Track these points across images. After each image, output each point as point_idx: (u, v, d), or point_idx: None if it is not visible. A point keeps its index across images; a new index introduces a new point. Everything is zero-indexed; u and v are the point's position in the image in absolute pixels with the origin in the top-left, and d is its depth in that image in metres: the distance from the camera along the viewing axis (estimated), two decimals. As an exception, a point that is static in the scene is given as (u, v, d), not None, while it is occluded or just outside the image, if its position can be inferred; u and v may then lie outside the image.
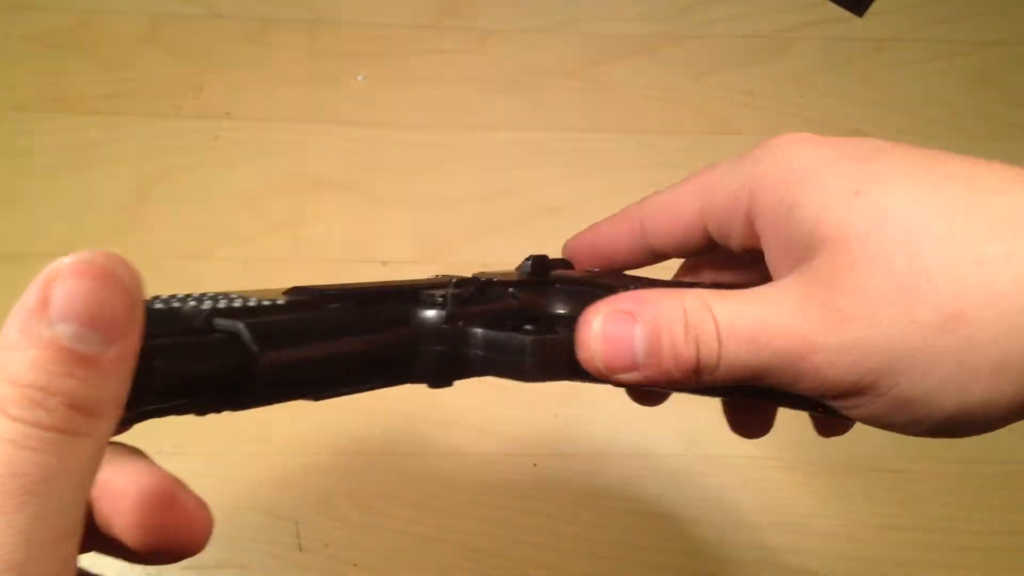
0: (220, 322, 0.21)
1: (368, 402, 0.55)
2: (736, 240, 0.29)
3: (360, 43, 0.70)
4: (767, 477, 0.56)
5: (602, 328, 0.26)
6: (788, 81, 0.71)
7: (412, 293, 0.27)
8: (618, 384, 0.27)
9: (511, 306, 0.30)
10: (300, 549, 0.51)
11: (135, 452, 0.23)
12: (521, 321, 0.29)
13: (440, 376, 0.28)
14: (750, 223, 0.28)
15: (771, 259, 0.28)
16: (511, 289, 0.29)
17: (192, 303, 0.22)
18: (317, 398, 0.25)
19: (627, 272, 0.34)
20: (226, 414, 0.22)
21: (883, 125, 0.69)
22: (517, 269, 0.32)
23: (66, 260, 0.17)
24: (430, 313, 0.27)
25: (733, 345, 0.25)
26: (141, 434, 0.22)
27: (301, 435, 0.54)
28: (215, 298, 0.22)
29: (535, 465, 0.55)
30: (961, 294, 0.23)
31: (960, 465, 0.56)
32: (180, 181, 0.63)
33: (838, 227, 0.25)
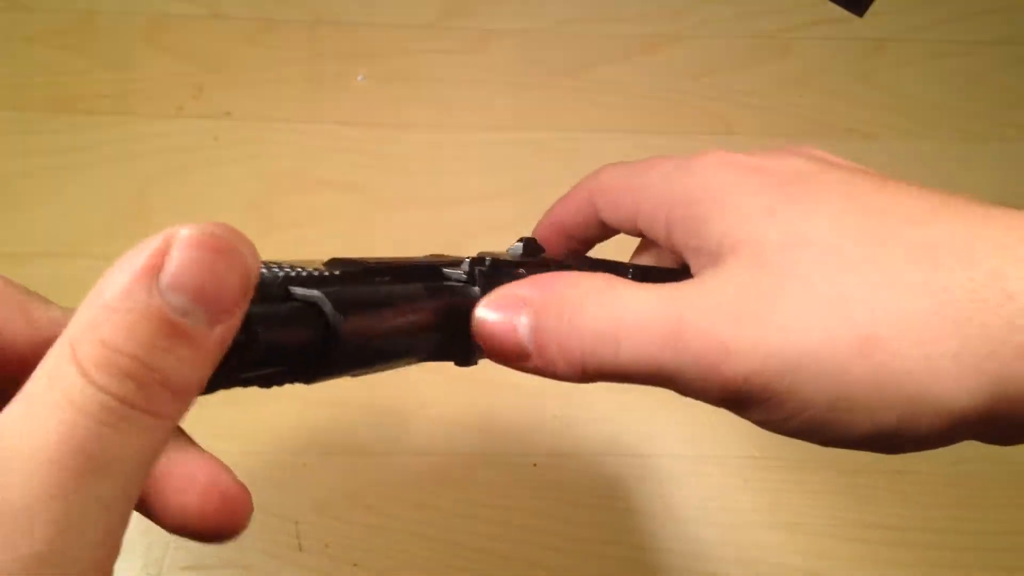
0: (298, 291, 0.21)
1: (368, 402, 0.55)
2: (662, 243, 0.29)
3: (360, 43, 0.70)
4: (767, 477, 0.56)
5: (485, 316, 0.25)
6: (788, 81, 0.71)
7: (437, 270, 0.27)
8: (525, 371, 0.26)
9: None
10: (300, 549, 0.51)
11: (186, 435, 0.23)
12: None
13: (471, 354, 0.27)
14: (668, 234, 0.28)
15: (689, 262, 0.28)
16: (519, 270, 0.29)
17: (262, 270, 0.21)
18: (381, 369, 0.24)
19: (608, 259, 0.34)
20: (226, 415, 0.22)
21: (883, 125, 0.69)
22: (508, 251, 0.32)
23: (186, 230, 0.16)
24: (466, 288, 0.27)
25: (641, 337, 0.23)
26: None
27: (301, 435, 0.54)
28: (274, 266, 0.22)
29: (535, 465, 0.55)
30: (878, 318, 0.23)
31: (960, 465, 0.56)
32: (180, 181, 0.63)
33: (749, 235, 0.24)
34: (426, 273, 0.27)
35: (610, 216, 0.31)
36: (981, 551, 0.55)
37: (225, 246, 0.16)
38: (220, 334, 0.16)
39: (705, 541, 0.54)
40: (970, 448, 0.56)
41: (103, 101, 0.65)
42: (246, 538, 0.52)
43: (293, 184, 0.64)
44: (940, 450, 0.60)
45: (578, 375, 0.25)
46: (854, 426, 0.24)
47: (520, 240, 0.32)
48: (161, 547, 0.50)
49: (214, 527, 0.22)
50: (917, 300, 0.23)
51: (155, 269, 0.15)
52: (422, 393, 0.56)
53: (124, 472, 0.15)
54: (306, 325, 0.20)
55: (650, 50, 0.72)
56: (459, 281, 0.27)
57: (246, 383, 0.20)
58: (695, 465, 0.56)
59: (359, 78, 0.69)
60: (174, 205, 0.62)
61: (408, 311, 0.24)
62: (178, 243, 0.16)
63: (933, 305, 0.22)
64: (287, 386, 0.22)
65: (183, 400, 0.16)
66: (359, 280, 0.23)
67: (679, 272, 0.31)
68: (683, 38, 0.73)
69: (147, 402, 0.15)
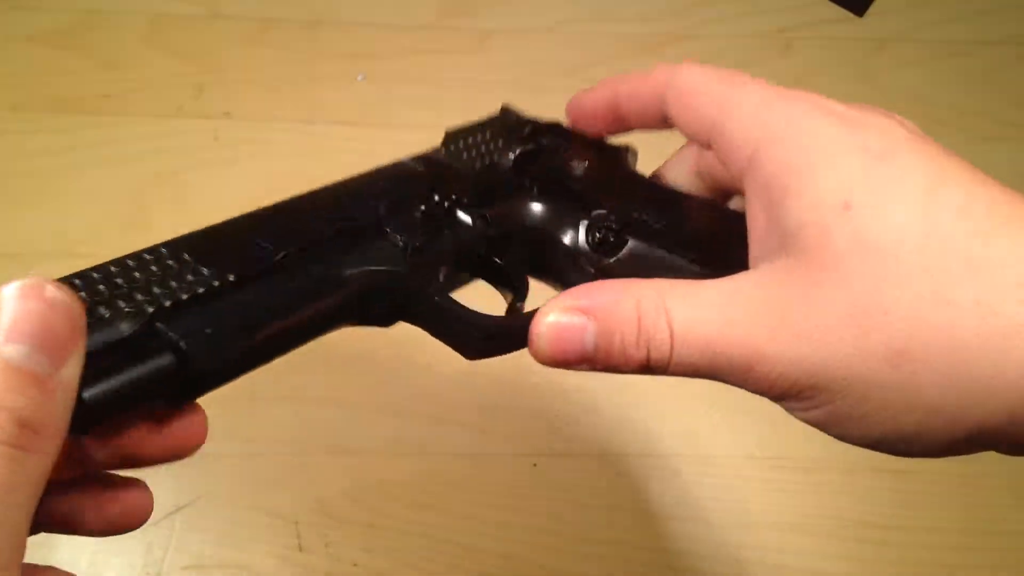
0: (161, 328, 0.22)
1: (368, 402, 0.55)
2: (732, 172, 0.29)
3: (360, 43, 0.70)
4: (767, 477, 0.56)
5: (555, 325, 0.27)
6: (788, 81, 0.70)
7: (378, 229, 0.28)
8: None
9: (480, 232, 0.30)
10: (300, 549, 0.51)
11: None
12: (492, 252, 0.30)
13: (390, 317, 0.29)
14: (746, 173, 0.28)
15: (751, 216, 0.28)
16: (483, 214, 0.30)
17: (128, 289, 0.23)
18: (266, 363, 0.25)
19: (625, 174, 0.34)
20: (226, 416, 0.22)
21: (883, 125, 0.69)
22: (490, 118, 0.32)
23: (10, 285, 0.18)
24: (391, 254, 0.28)
25: (685, 351, 0.26)
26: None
27: (301, 435, 0.54)
28: (150, 287, 0.23)
29: (535, 465, 0.55)
30: (914, 334, 0.23)
31: (961, 465, 0.56)
32: (180, 181, 0.63)
33: (818, 239, 0.25)
34: (356, 238, 0.28)
35: (680, 118, 0.30)
36: (981, 551, 0.55)
37: (48, 296, 0.19)
38: (63, 374, 0.19)
39: (705, 541, 0.54)
40: (970, 448, 0.56)
41: (103, 101, 0.65)
42: (246, 538, 0.52)
43: (293, 184, 0.63)
44: (940, 450, 0.59)
45: (640, 373, 0.27)
46: (873, 427, 0.25)
47: (504, 111, 0.33)
48: (161, 547, 0.50)
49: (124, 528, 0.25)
50: (963, 319, 0.23)
51: None
52: (422, 393, 0.56)
53: (7, 503, 0.18)
54: (162, 370, 0.21)
55: (650, 50, 0.72)
56: (396, 248, 0.28)
57: (114, 425, 0.22)
58: (695, 465, 0.56)
59: (359, 78, 0.69)
60: (174, 205, 0.62)
61: (289, 314, 0.25)
62: (6, 298, 0.18)
63: (977, 326, 0.23)
64: (286, 386, 0.22)
65: (45, 435, 0.18)
66: (240, 290, 0.24)
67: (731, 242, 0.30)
68: (683, 38, 0.73)
69: (11, 439, 0.18)
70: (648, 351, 0.26)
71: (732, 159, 0.28)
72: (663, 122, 0.31)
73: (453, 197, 0.30)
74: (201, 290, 0.24)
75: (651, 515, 0.54)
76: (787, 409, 0.26)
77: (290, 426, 0.55)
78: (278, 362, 0.26)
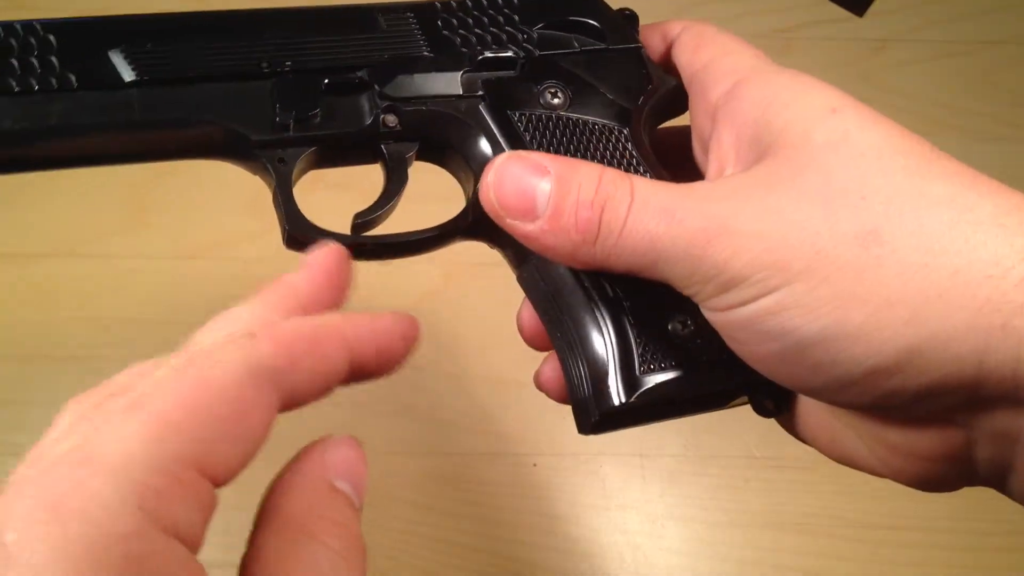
0: None
1: (368, 402, 0.55)
2: (709, 105, 0.30)
3: (360, 43, 0.70)
4: (767, 477, 0.56)
5: (510, 170, 0.27)
6: (788, 81, 0.71)
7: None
8: (514, 235, 0.27)
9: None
10: (300, 549, 0.51)
11: None
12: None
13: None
14: (719, 96, 0.29)
15: (715, 143, 0.29)
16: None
17: None
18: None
19: None
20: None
21: (883, 125, 0.69)
22: None
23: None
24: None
25: (643, 214, 0.25)
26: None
27: (301, 435, 0.54)
28: None
29: (535, 465, 0.55)
30: (889, 217, 0.23)
31: (960, 465, 0.56)
32: (179, 181, 0.63)
33: (801, 137, 0.25)
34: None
35: (683, 56, 0.32)
36: (981, 551, 0.55)
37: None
38: None
39: (705, 541, 0.54)
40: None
41: (103, 101, 0.65)
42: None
43: (293, 184, 0.64)
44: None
45: (589, 253, 0.26)
46: (819, 317, 0.23)
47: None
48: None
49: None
50: (939, 212, 0.23)
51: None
52: (423, 393, 0.56)
53: None
54: None
55: (650, 50, 0.72)
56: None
57: None
58: (695, 465, 0.56)
59: (359, 78, 0.69)
60: (174, 205, 0.62)
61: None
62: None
63: (951, 219, 0.23)
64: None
65: None
66: None
67: None
68: (683, 38, 0.73)
69: None
70: (602, 211, 0.25)
71: (713, 88, 0.29)
72: (664, 58, 0.34)
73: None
74: None
75: (651, 515, 0.54)
76: (723, 304, 0.25)
77: (290, 426, 0.54)
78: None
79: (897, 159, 0.24)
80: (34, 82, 0.26)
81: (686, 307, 0.27)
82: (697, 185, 0.26)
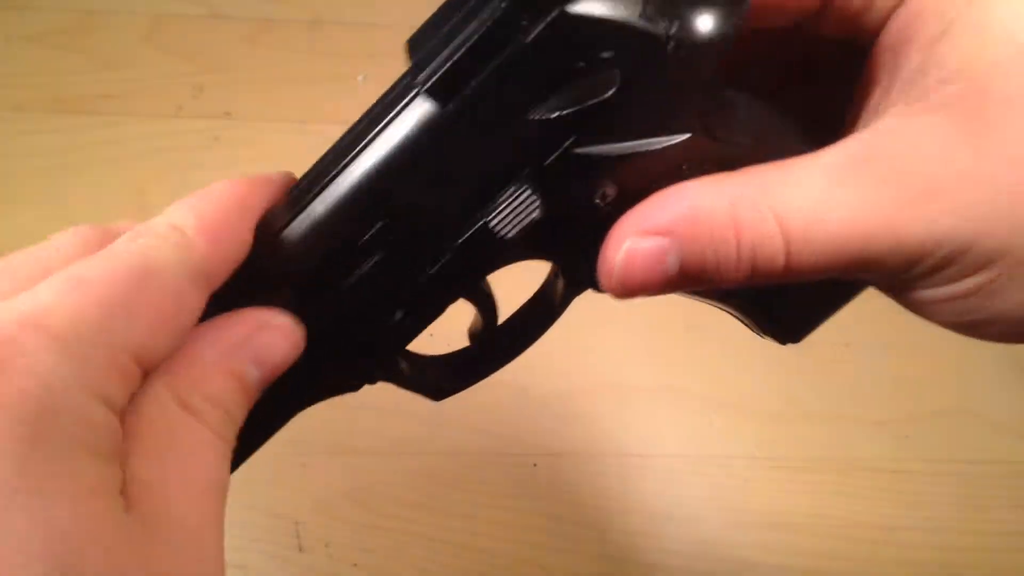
0: None
1: (368, 402, 0.55)
2: (839, 19, 0.24)
3: (360, 43, 0.70)
4: (767, 477, 0.56)
5: (627, 254, 0.22)
6: (788, 81, 0.71)
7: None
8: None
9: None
10: (300, 549, 0.51)
11: None
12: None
13: None
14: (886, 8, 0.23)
15: (872, 68, 0.24)
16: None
17: None
18: None
19: None
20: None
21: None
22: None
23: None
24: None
25: (808, 252, 0.21)
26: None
27: (301, 435, 0.54)
28: None
29: (535, 465, 0.55)
30: None
31: (960, 465, 0.56)
32: (180, 181, 0.63)
33: (998, 78, 0.20)
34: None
35: None
36: (981, 551, 0.55)
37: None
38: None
39: (705, 541, 0.54)
40: (970, 448, 0.57)
41: (103, 101, 0.65)
42: (246, 538, 0.52)
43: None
44: (940, 450, 0.60)
45: (747, 283, 0.22)
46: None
47: None
48: (161, 547, 0.49)
49: None
50: None
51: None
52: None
53: None
54: None
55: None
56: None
57: None
58: (695, 465, 0.56)
59: (359, 78, 0.69)
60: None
61: None
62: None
63: None
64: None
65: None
66: None
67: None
68: (683, 38, 0.73)
69: None
70: (754, 263, 0.21)
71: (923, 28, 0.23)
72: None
73: None
74: None
75: (651, 515, 0.54)
76: (919, 293, 0.22)
77: (290, 426, 0.54)
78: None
79: None
80: None
81: None
82: (850, 162, 0.21)
